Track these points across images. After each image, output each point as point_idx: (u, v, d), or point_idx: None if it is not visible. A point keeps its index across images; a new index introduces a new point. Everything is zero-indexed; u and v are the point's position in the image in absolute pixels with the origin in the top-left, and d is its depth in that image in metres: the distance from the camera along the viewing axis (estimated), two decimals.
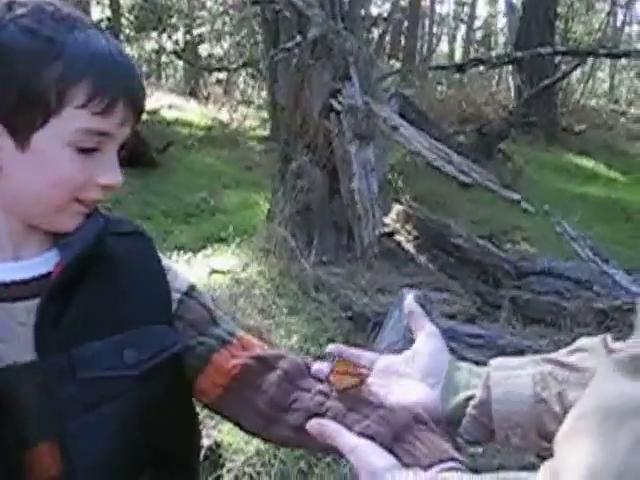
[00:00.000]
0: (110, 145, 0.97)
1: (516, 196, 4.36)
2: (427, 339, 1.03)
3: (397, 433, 0.90)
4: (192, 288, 1.14)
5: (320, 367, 1.04)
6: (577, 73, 17.37)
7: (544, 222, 7.59)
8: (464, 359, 3.08)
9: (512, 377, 0.92)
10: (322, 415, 0.97)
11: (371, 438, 0.89)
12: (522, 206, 4.37)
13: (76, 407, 0.95)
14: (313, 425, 0.93)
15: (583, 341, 0.94)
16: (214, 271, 4.93)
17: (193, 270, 5.31)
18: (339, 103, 5.05)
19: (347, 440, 0.89)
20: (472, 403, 0.94)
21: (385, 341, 3.85)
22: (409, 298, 1.08)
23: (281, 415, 1.03)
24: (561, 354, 0.94)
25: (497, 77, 19.70)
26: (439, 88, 16.42)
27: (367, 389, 1.00)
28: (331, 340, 4.23)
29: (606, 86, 23.68)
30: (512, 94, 14.03)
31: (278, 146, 5.60)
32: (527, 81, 11.90)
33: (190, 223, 7.37)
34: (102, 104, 0.92)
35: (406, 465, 0.85)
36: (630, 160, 12.28)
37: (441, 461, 0.85)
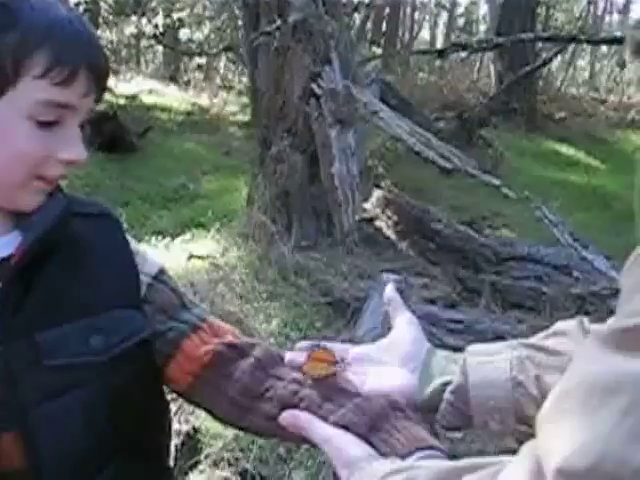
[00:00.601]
0: (72, 118, 0.92)
1: (496, 181, 4.35)
2: (406, 327, 1.01)
3: (373, 422, 0.87)
4: (162, 272, 1.11)
5: (294, 356, 1.00)
6: (557, 62, 17.37)
7: (524, 208, 7.59)
8: (444, 344, 3.07)
9: (489, 362, 0.90)
10: (296, 404, 0.94)
11: (346, 428, 0.86)
12: (502, 191, 4.35)
13: (41, 395, 0.92)
14: (285, 417, 0.90)
15: (560, 325, 0.93)
16: (193, 256, 4.89)
17: (171, 255, 5.26)
18: (319, 87, 5.01)
19: (321, 431, 0.87)
20: (449, 389, 0.92)
21: (364, 326, 3.84)
22: (389, 286, 1.06)
23: (254, 404, 0.99)
24: (538, 338, 0.93)
25: (478, 64, 19.68)
26: (420, 75, 16.38)
27: (342, 377, 0.97)
28: (310, 325, 4.21)
29: (586, 74, 23.74)
30: (493, 82, 14.01)
31: (258, 131, 5.54)
32: (508, 68, 11.90)
33: (169, 208, 7.31)
34: (62, 74, 0.87)
35: (383, 454, 0.83)
36: (610, 148, 12.29)
37: (418, 449, 0.82)
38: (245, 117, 11.85)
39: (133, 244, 1.09)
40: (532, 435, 0.84)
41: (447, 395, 0.92)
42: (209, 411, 1.08)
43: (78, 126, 0.94)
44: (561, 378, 0.65)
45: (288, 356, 1.00)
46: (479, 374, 0.89)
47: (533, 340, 0.92)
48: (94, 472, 0.97)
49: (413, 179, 7.85)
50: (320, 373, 0.96)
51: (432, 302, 3.88)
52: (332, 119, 4.90)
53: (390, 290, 1.05)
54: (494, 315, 3.97)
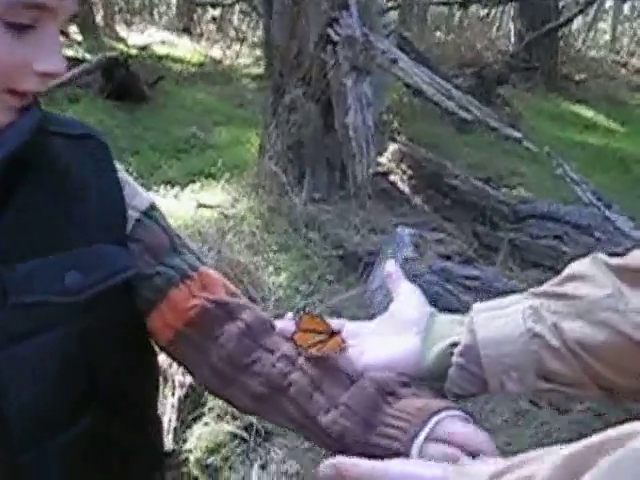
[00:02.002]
0: (49, 23, 0.78)
1: (518, 134, 4.18)
2: (406, 295, 0.92)
3: (366, 420, 0.78)
4: (152, 208, 0.98)
5: (284, 325, 0.92)
6: (578, 23, 17.05)
7: (541, 168, 7.46)
8: (459, 301, 2.91)
9: (499, 316, 0.81)
10: (284, 389, 0.84)
11: (341, 437, 0.78)
12: (524, 145, 4.18)
13: (6, 337, 0.80)
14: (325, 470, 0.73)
15: (573, 268, 0.83)
16: (201, 205, 4.76)
17: (180, 205, 5.15)
18: (336, 33, 4.82)
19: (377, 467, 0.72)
20: (457, 350, 0.81)
21: (377, 280, 3.72)
22: (389, 262, 0.98)
23: (238, 376, 0.89)
24: (551, 285, 0.84)
25: (497, 23, 19.31)
26: (437, 34, 16.08)
27: (338, 349, 0.88)
28: (321, 278, 4.09)
29: (607, 37, 23.32)
30: (512, 40, 13.73)
31: (271, 78, 5.37)
32: (529, 27, 11.67)
33: (179, 158, 7.15)
34: None
35: (389, 449, 0.74)
36: (630, 111, 12.09)
37: (431, 416, 0.73)
38: (259, 70, 11.64)
39: (122, 173, 0.96)
40: (555, 392, 0.79)
41: (455, 358, 0.82)
42: (190, 373, 0.98)
43: (57, 33, 0.80)
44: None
45: (279, 325, 0.93)
46: (489, 330, 0.80)
47: (545, 287, 0.84)
48: (67, 423, 0.86)
49: (428, 135, 7.69)
50: (312, 343, 0.89)
51: (447, 258, 3.74)
52: (348, 67, 4.72)
53: (390, 265, 0.97)
54: (511, 273, 3.83)
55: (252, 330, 0.91)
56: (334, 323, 0.93)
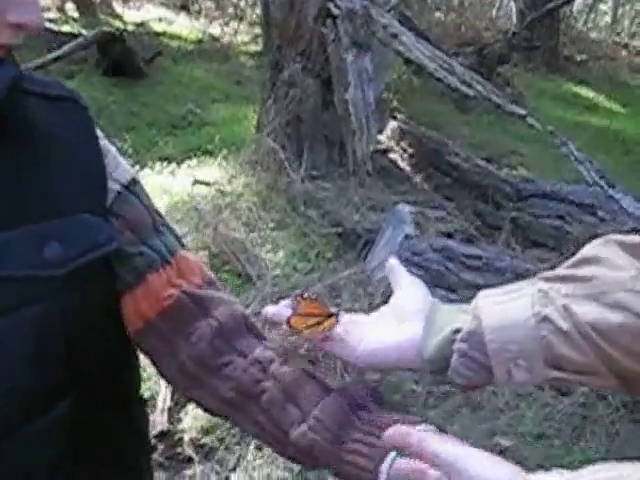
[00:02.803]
0: None
1: (522, 110, 4.09)
2: (409, 288, 0.88)
3: (336, 435, 0.77)
4: (134, 182, 0.91)
5: (279, 310, 0.89)
6: (579, 5, 16.96)
7: (542, 148, 7.38)
8: (460, 280, 2.83)
9: (506, 301, 0.76)
10: (256, 396, 0.81)
11: (309, 450, 0.78)
12: (528, 122, 4.09)
13: None
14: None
15: (585, 251, 0.77)
16: (197, 182, 4.67)
17: (176, 181, 5.08)
18: (336, 7, 4.71)
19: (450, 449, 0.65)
20: (459, 336, 0.76)
21: (377, 259, 3.65)
22: (391, 258, 0.94)
23: (207, 378, 0.85)
24: (562, 268, 0.78)
25: (498, 3, 19.16)
26: (437, 14, 15.94)
27: (335, 336, 0.85)
28: (320, 256, 4.02)
29: (608, 19, 23.19)
30: (513, 20, 13.61)
31: (269, 53, 5.26)
32: (531, 6, 11.59)
33: (176, 135, 7.05)
34: None
35: (357, 465, 0.75)
36: (631, 92, 12.03)
37: None
38: (257, 47, 11.50)
39: (104, 141, 0.89)
40: (566, 381, 0.73)
41: (458, 344, 0.76)
42: (156, 367, 0.91)
43: None
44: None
45: (272, 310, 0.89)
46: (495, 315, 0.75)
47: (556, 271, 0.78)
48: (46, 407, 0.80)
49: (428, 114, 7.61)
50: (308, 326, 0.86)
51: (449, 236, 3.67)
52: (349, 41, 4.63)
53: (392, 260, 0.93)
54: (514, 252, 3.76)
55: (225, 330, 0.87)
56: (333, 309, 0.89)
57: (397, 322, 0.83)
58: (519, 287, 0.77)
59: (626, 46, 16.92)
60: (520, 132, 7.63)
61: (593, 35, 17.87)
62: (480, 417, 2.97)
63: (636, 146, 8.70)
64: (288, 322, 0.87)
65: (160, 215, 0.94)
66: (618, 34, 19.73)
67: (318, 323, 0.86)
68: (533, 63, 11.60)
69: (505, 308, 0.74)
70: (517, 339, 0.72)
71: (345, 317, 0.88)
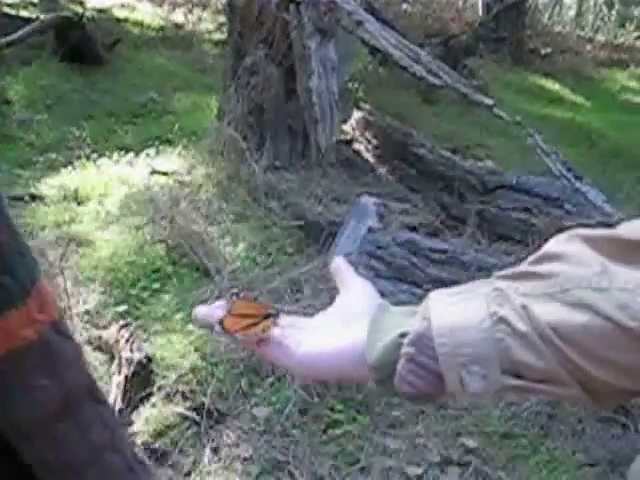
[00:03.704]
0: None
1: (489, 101, 4.00)
2: (355, 287, 0.81)
3: None
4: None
5: (211, 310, 0.80)
6: None
7: (508, 141, 7.34)
8: (426, 275, 2.72)
9: (458, 301, 0.68)
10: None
11: None
12: (494, 112, 4.01)
13: None
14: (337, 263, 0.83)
15: (547, 247, 0.70)
16: (155, 172, 4.52)
17: (134, 171, 4.93)
18: None
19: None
20: (406, 340, 0.68)
21: (340, 252, 3.53)
22: (337, 258, 0.87)
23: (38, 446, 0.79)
24: (522, 266, 0.71)
25: None
26: (404, 6, 15.90)
27: (272, 340, 0.77)
28: (281, 249, 3.90)
29: (572, 13, 23.38)
30: (479, 12, 13.62)
31: (231, 39, 5.11)
32: None
33: (135, 124, 6.87)
34: None
35: None
36: (596, 86, 12.12)
37: None
38: (221, 35, 11.31)
39: None
40: (526, 390, 0.65)
41: (405, 349, 0.67)
42: None
43: None
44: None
45: (204, 310, 0.80)
46: (446, 316, 0.67)
47: (515, 269, 0.70)
48: None
49: (394, 105, 7.51)
50: (243, 327, 0.78)
51: (413, 229, 3.57)
52: (312, 28, 4.50)
53: (338, 260, 0.86)
54: (479, 246, 3.68)
55: (69, 399, 0.79)
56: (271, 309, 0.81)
57: (341, 325, 0.75)
58: (473, 286, 0.69)
59: (590, 40, 17.06)
60: (487, 124, 7.58)
61: (558, 29, 17.99)
62: (445, 417, 2.89)
63: (600, 139, 8.71)
64: (221, 323, 0.78)
65: (22, 234, 0.82)
66: (582, 28, 19.90)
67: (254, 324, 0.78)
68: (499, 55, 11.60)
69: (457, 309, 0.67)
70: (470, 342, 0.64)
71: (284, 319, 0.79)
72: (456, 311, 0.66)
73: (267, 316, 0.79)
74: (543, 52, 13.39)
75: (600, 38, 17.50)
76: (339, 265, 0.84)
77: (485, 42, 10.35)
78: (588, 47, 15.83)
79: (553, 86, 11.57)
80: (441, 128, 7.37)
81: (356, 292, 0.79)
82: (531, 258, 0.70)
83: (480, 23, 10.33)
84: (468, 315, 0.65)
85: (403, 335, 0.68)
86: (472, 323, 0.65)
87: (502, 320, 0.64)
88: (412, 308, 0.72)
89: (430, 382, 0.67)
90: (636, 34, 17.07)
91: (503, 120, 4.98)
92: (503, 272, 0.69)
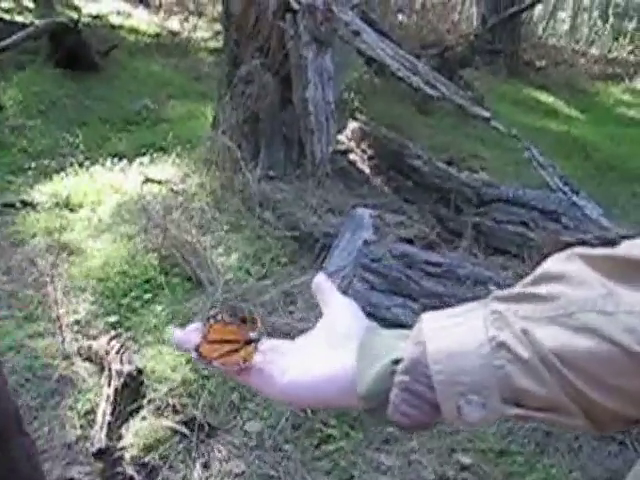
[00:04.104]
0: None
1: (486, 113, 3.97)
2: (340, 308, 0.77)
3: None
4: None
5: (187, 335, 0.75)
6: (539, 12, 17.20)
7: (502, 153, 7.33)
8: (421, 289, 2.67)
9: (454, 325, 0.65)
10: None
11: None
12: (492, 125, 3.98)
13: None
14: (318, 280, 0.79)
15: (546, 266, 0.66)
16: (148, 180, 4.47)
17: (127, 179, 4.89)
18: (297, 2, 4.55)
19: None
20: (400, 367, 0.64)
21: (334, 264, 3.50)
22: (319, 274, 0.83)
23: None
24: (520, 286, 0.67)
25: (459, 7, 19.23)
26: (400, 17, 15.92)
27: (245, 360, 0.73)
28: (274, 260, 3.86)
29: (566, 27, 23.49)
30: (474, 24, 13.65)
31: (227, 48, 5.07)
32: (493, 10, 11.71)
33: (130, 131, 6.84)
34: None
35: None
36: (590, 99, 12.16)
37: None
38: (217, 44, 11.28)
39: None
40: (527, 418, 0.62)
41: (399, 377, 0.64)
42: None
43: None
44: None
45: (179, 335, 0.76)
46: (442, 341, 0.64)
47: (513, 290, 0.67)
48: None
49: (389, 116, 7.48)
50: (220, 354, 0.74)
51: (409, 242, 3.53)
52: (309, 38, 4.47)
53: (319, 278, 0.82)
54: (476, 259, 3.64)
55: None
56: (252, 334, 0.76)
57: (327, 349, 0.71)
58: (469, 308, 0.66)
59: (584, 54, 17.13)
60: (481, 136, 7.58)
61: (552, 42, 18.06)
62: (440, 433, 2.84)
63: (595, 152, 8.70)
64: (197, 350, 0.74)
65: None
66: (577, 42, 19.98)
67: (232, 351, 0.73)
68: (494, 67, 11.62)
69: (453, 333, 0.64)
70: (468, 369, 0.61)
71: (266, 343, 0.74)
72: (452, 335, 0.63)
73: (248, 342, 0.74)
74: (538, 65, 13.42)
75: (594, 52, 17.56)
76: (320, 283, 0.80)
77: (480, 54, 10.36)
78: (582, 60, 15.88)
79: (548, 99, 11.59)
80: (436, 139, 7.35)
81: (340, 313, 0.75)
82: (528, 278, 0.66)
83: (476, 35, 10.32)
84: (465, 340, 0.62)
85: (396, 362, 0.64)
86: (470, 348, 0.62)
87: (502, 345, 0.61)
88: (403, 331, 0.69)
89: (425, 412, 0.64)
90: (630, 48, 17.09)
91: (498, 132, 4.96)
92: (499, 293, 0.66)
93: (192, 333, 0.75)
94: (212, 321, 0.76)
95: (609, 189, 6.96)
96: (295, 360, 0.71)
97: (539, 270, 0.66)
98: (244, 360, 0.72)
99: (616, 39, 17.81)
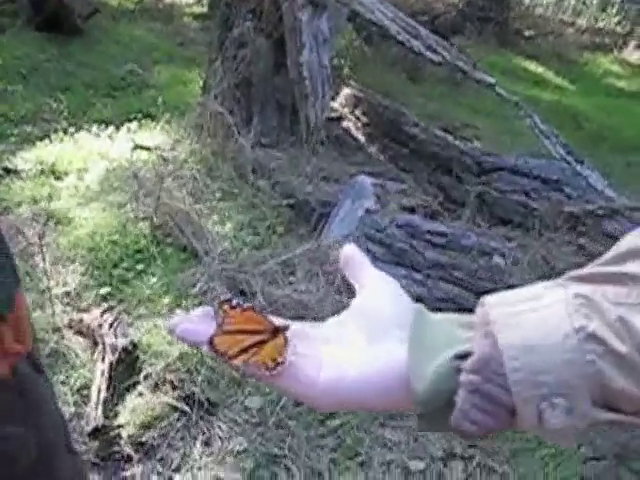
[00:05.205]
0: None
1: (491, 79, 3.85)
2: (378, 286, 0.63)
3: None
4: None
5: (194, 326, 0.59)
6: None
7: (496, 122, 7.23)
8: (424, 259, 2.56)
9: (528, 310, 0.53)
10: None
11: None
12: (496, 91, 3.86)
13: None
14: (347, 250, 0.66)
15: (631, 242, 0.56)
16: (138, 146, 4.32)
17: (115, 145, 4.74)
18: None
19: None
20: (467, 365, 0.53)
21: (333, 234, 3.38)
22: (347, 245, 0.69)
23: None
24: (600, 265, 0.56)
25: None
26: None
27: (277, 360, 0.57)
28: (270, 229, 3.74)
29: None
30: None
31: (218, 10, 4.89)
32: None
33: (115, 97, 6.64)
34: None
35: None
36: (580, 69, 12.10)
37: None
38: (202, 9, 11.07)
39: None
40: (621, 425, 0.52)
41: (467, 376, 0.53)
42: None
43: None
44: None
45: (184, 325, 0.59)
46: (516, 332, 0.52)
47: (592, 269, 0.56)
48: None
49: (380, 83, 7.33)
50: (245, 353, 0.58)
51: (412, 211, 3.42)
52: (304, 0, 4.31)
53: (349, 247, 0.68)
54: (480, 230, 3.53)
55: (45, 450, 0.67)
56: (278, 322, 0.62)
57: (367, 338, 0.59)
58: (539, 291, 0.55)
59: (572, 24, 17.05)
60: (474, 104, 7.47)
61: (540, 11, 17.95)
62: (440, 437, 2.75)
63: (586, 123, 8.64)
64: (211, 343, 0.58)
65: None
66: (564, 12, 19.87)
67: (256, 345, 0.58)
68: (484, 36, 11.50)
69: (529, 321, 0.52)
70: (552, 367, 0.50)
71: (294, 327, 0.61)
72: (527, 324, 0.52)
73: (274, 331, 0.60)
74: (527, 34, 13.33)
75: (582, 22, 17.47)
76: (352, 255, 0.67)
77: (471, 22, 10.25)
78: (570, 30, 15.79)
79: (537, 68, 11.52)
80: (428, 108, 7.22)
81: (379, 292, 0.63)
82: (607, 256, 0.56)
83: (468, 2, 10.20)
84: (545, 330, 0.51)
85: (459, 357, 0.53)
86: (552, 341, 0.51)
87: (592, 337, 0.50)
88: (459, 317, 0.58)
89: (498, 417, 0.52)
90: (617, 19, 17.00)
91: (492, 101, 4.83)
92: (577, 272, 0.55)
93: (202, 324, 0.60)
94: (226, 306, 0.61)
95: (603, 160, 6.86)
96: (331, 353, 0.58)
97: (620, 246, 0.56)
98: (273, 360, 0.57)
99: (603, 10, 17.73)
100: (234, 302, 0.62)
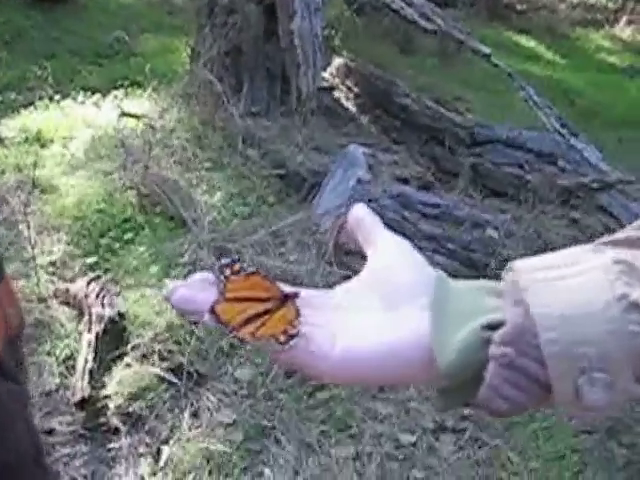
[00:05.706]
0: None
1: (486, 49, 3.79)
2: (393, 250, 0.57)
3: None
4: None
5: (193, 293, 0.52)
6: None
7: (487, 95, 7.17)
8: (417, 230, 2.51)
9: (563, 277, 0.48)
10: None
11: None
12: (492, 62, 3.80)
13: None
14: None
15: None
16: (125, 114, 4.23)
17: (101, 113, 4.66)
18: None
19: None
20: (498, 336, 0.47)
21: (324, 204, 3.33)
22: (357, 206, 0.62)
23: None
24: (635, 229, 0.52)
25: None
26: None
27: (288, 332, 0.50)
28: (260, 200, 3.68)
29: None
30: None
31: None
32: None
33: (101, 64, 6.56)
34: None
35: None
36: (571, 44, 12.07)
37: None
38: None
39: None
40: None
41: (498, 349, 0.47)
42: None
43: None
44: None
45: (181, 292, 0.52)
46: (550, 299, 0.46)
47: (629, 232, 0.52)
48: None
49: (371, 55, 7.26)
50: (247, 321, 0.51)
51: (404, 182, 3.37)
52: None
53: (360, 208, 0.61)
54: (472, 201, 3.49)
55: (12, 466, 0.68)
56: (286, 288, 0.56)
57: (383, 305, 0.53)
58: (573, 256, 0.50)
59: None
60: (465, 77, 7.41)
61: None
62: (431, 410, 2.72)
63: (578, 97, 8.61)
64: (213, 311, 0.52)
65: None
66: None
67: (264, 314, 0.52)
68: (475, 9, 11.43)
69: (564, 289, 0.47)
70: (592, 338, 0.45)
71: (304, 294, 0.55)
72: (563, 293, 0.47)
73: (283, 298, 0.54)
74: (518, 8, 13.26)
75: None
76: (362, 218, 0.61)
77: None
78: (562, 6, 15.72)
79: (529, 43, 11.47)
80: (419, 80, 7.14)
81: (395, 257, 0.57)
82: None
83: None
84: (583, 299, 0.46)
85: (489, 327, 0.48)
86: (592, 309, 0.46)
87: (635, 306, 0.45)
88: (484, 283, 0.53)
89: (531, 392, 0.48)
90: None
91: (483, 74, 4.77)
92: (612, 237, 0.52)
93: (201, 291, 0.53)
94: (228, 271, 0.55)
95: (595, 135, 6.83)
96: (345, 322, 0.53)
97: None
98: (284, 331, 0.51)
99: None
100: (237, 266, 0.55)
